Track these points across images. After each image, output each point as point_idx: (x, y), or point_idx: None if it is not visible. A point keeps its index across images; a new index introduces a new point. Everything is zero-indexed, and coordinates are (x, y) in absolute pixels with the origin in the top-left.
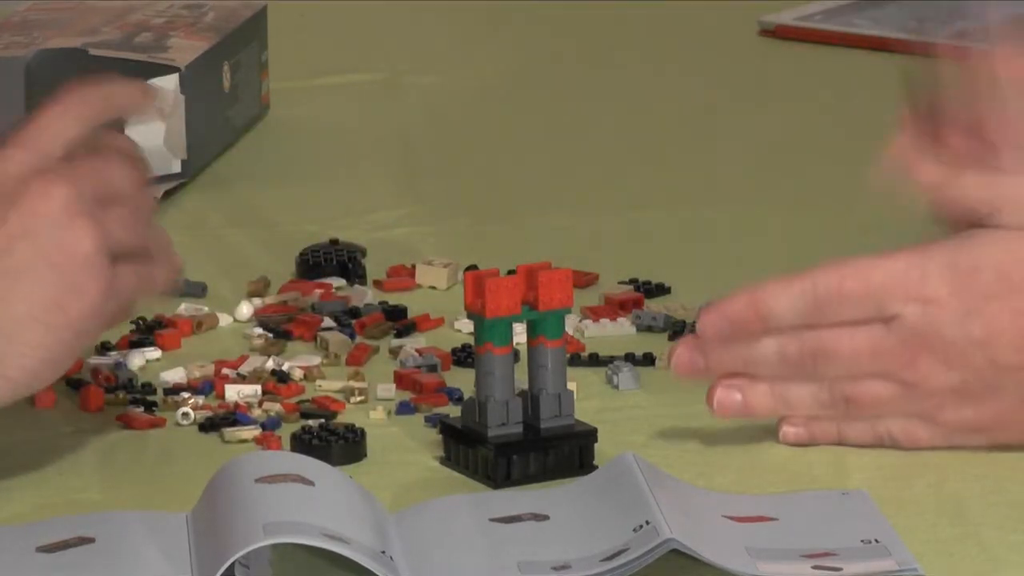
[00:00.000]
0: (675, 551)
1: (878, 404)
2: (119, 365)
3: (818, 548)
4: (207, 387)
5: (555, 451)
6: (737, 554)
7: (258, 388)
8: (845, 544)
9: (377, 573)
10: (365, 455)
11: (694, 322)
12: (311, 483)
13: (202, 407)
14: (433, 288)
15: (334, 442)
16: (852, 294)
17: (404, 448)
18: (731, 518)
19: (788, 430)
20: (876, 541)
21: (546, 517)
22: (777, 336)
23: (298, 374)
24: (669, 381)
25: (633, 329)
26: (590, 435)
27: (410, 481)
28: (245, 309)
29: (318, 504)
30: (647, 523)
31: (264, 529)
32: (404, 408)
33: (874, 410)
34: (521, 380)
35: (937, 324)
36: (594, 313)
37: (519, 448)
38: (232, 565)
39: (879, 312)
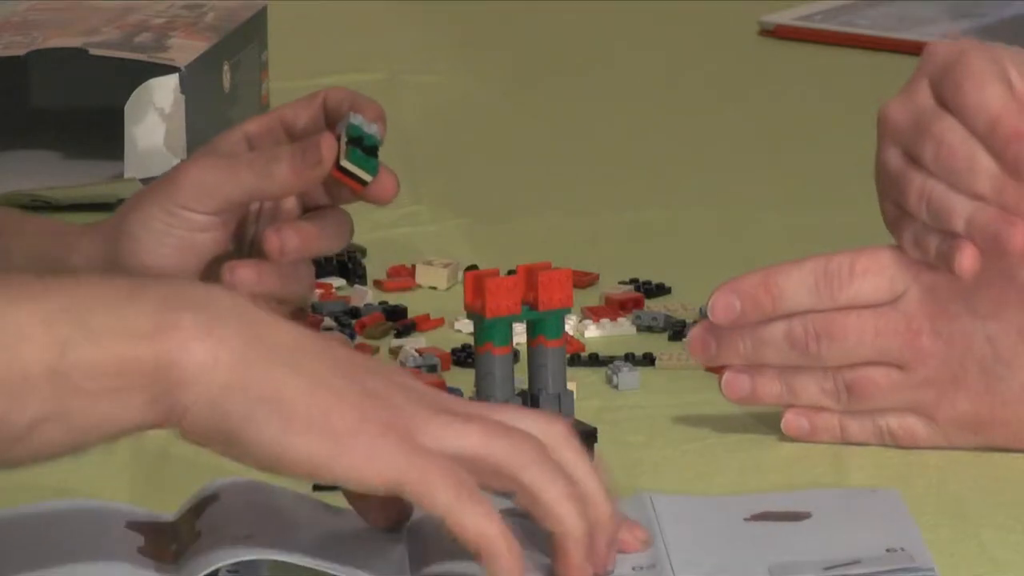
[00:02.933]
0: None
1: (877, 392)
2: None
3: (841, 559)
4: None
5: None
6: (756, 572)
7: None
8: (870, 553)
9: None
10: None
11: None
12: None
13: None
14: (433, 288)
15: None
16: (862, 273)
17: None
18: (754, 518)
19: (790, 420)
20: (902, 549)
21: None
22: (786, 320)
23: None
24: (669, 381)
25: (633, 329)
26: (590, 435)
27: None
28: None
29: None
30: (652, 566)
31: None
32: None
33: (873, 399)
34: (522, 380)
35: (943, 301)
36: (594, 313)
37: None
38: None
39: (889, 292)
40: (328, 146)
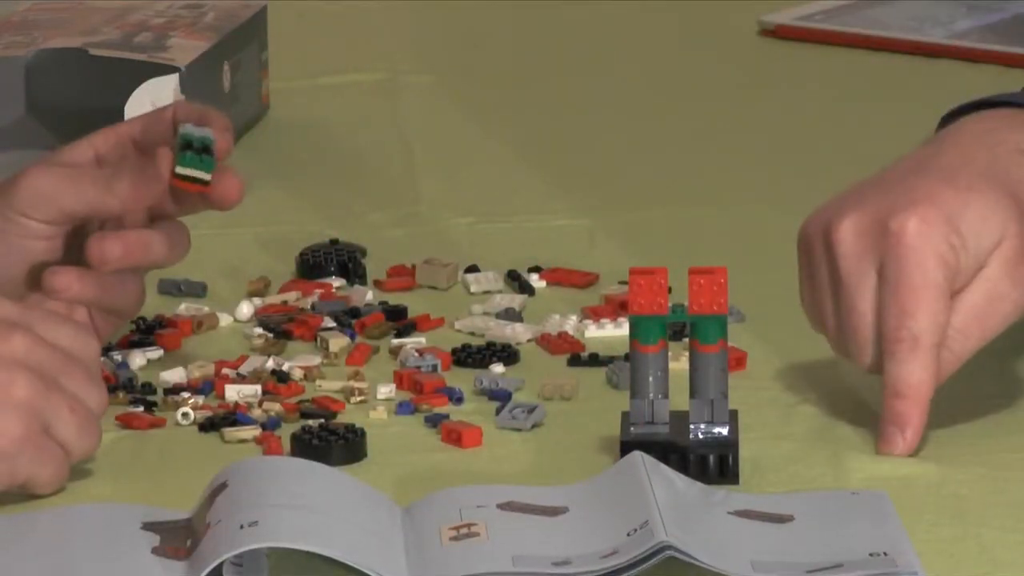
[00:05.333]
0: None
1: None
2: (119, 365)
3: (823, 563)
4: (207, 387)
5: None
6: (740, 564)
7: (258, 388)
8: (852, 557)
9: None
10: (365, 455)
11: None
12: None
13: (202, 407)
14: (433, 288)
15: (334, 442)
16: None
17: (404, 448)
18: (738, 514)
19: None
20: (885, 554)
21: (555, 511)
22: None
23: (298, 374)
24: (668, 381)
25: None
26: (730, 446)
27: (410, 481)
28: (245, 309)
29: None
30: (644, 524)
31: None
32: (404, 408)
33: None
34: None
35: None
36: (594, 313)
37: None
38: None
39: None
40: (164, 159)
